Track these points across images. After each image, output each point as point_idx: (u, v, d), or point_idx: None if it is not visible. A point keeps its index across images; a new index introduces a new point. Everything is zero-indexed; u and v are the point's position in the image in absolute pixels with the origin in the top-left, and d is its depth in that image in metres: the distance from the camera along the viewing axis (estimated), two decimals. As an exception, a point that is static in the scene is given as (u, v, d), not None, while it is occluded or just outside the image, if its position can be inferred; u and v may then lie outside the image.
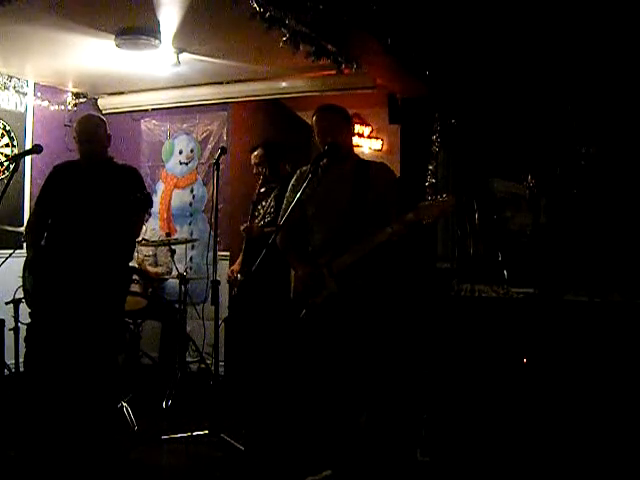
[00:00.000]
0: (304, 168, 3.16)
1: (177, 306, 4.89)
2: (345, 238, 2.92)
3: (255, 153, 4.52)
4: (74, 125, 3.83)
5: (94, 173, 3.65)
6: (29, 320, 3.75)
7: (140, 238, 5.10)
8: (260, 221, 4.40)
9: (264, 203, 4.48)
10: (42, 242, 3.72)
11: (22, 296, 4.47)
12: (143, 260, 5.23)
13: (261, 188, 4.58)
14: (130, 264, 4.75)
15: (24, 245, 5.04)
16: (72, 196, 3.61)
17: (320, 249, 3.03)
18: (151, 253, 5.31)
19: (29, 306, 3.87)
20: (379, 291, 2.97)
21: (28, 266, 3.79)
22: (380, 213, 2.91)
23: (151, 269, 5.20)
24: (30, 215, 3.84)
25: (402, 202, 2.95)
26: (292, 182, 3.18)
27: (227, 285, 5.00)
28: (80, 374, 3.56)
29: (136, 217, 3.67)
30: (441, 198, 2.79)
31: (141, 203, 3.41)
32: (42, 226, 3.73)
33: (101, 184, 3.58)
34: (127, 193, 3.47)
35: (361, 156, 3.28)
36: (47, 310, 3.62)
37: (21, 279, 4.14)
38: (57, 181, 3.75)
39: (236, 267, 4.70)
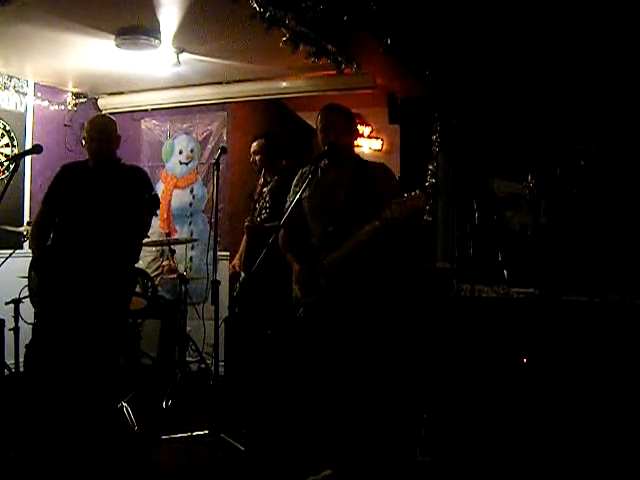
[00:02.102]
0: (305, 169, 3.17)
1: (177, 306, 4.89)
2: (339, 237, 2.94)
3: (256, 142, 4.51)
4: (85, 124, 3.83)
5: (102, 173, 3.66)
6: (34, 320, 3.75)
7: None
8: (257, 217, 4.40)
9: (259, 198, 4.48)
10: (48, 242, 3.72)
11: (23, 296, 4.52)
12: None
13: (260, 181, 4.58)
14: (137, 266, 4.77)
15: (24, 245, 5.05)
16: (80, 196, 3.61)
17: (317, 248, 3.05)
18: (155, 249, 5.30)
19: (34, 306, 3.86)
20: (368, 288, 2.98)
21: (33, 266, 3.78)
22: (375, 214, 2.91)
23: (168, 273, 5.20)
24: (37, 214, 3.82)
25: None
26: (294, 183, 3.20)
27: (227, 285, 4.99)
28: (82, 374, 3.57)
29: (143, 218, 3.67)
30: (413, 194, 2.79)
31: (148, 204, 3.42)
32: (49, 226, 3.73)
33: (109, 184, 3.59)
34: (134, 194, 3.48)
35: (361, 156, 3.28)
36: (52, 310, 3.62)
37: (26, 279, 4.15)
38: (65, 181, 3.75)
39: (236, 262, 4.70)
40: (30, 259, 3.90)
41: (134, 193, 3.53)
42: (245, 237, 4.58)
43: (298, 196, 2.94)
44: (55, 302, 3.59)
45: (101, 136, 3.65)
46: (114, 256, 3.55)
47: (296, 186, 3.15)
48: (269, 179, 4.43)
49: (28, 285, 4.03)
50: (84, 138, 3.74)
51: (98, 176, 3.65)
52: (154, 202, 3.44)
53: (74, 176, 3.74)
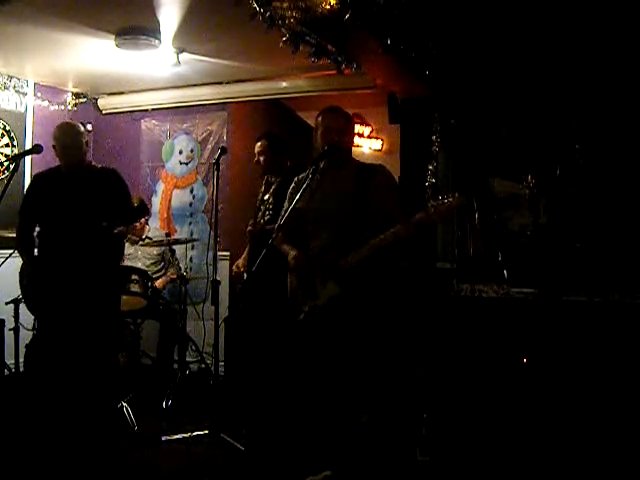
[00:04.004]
0: (301, 176, 3.17)
1: (177, 306, 4.89)
2: (347, 242, 2.93)
3: (259, 143, 4.51)
4: (53, 132, 3.84)
5: (76, 178, 3.72)
6: (34, 322, 3.79)
7: (144, 236, 5.12)
8: (261, 219, 4.40)
9: (265, 198, 4.47)
10: (34, 249, 3.78)
11: (22, 297, 4.52)
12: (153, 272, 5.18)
13: (261, 188, 4.58)
14: (131, 265, 4.78)
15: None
16: (57, 203, 3.67)
17: (321, 253, 3.03)
18: (155, 253, 5.27)
19: (30, 311, 3.92)
20: (381, 292, 2.98)
21: (25, 275, 3.81)
22: (380, 216, 2.92)
23: (162, 280, 5.15)
24: (17, 226, 3.88)
25: (402, 203, 2.96)
26: (289, 190, 3.19)
27: (227, 285, 4.99)
28: (81, 374, 3.58)
29: (132, 224, 3.74)
30: (451, 197, 2.79)
31: (137, 212, 3.48)
32: (30, 234, 3.82)
33: (83, 189, 3.67)
34: (110, 197, 3.59)
35: (361, 156, 3.28)
36: (47, 314, 3.68)
37: (19, 285, 4.17)
38: (40, 189, 3.82)
39: (241, 262, 4.68)
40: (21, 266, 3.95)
41: (109, 196, 3.64)
42: (249, 242, 4.57)
43: (294, 203, 2.93)
44: (48, 307, 3.65)
45: (69, 144, 3.70)
46: (97, 257, 3.61)
47: (292, 194, 3.14)
48: (272, 180, 4.43)
49: (21, 292, 4.06)
50: (54, 146, 3.77)
51: (72, 182, 3.72)
52: (143, 209, 3.51)
53: (48, 184, 3.80)
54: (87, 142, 3.82)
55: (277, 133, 4.73)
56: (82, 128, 3.82)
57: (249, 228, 4.43)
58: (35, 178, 3.88)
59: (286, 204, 3.15)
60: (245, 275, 4.52)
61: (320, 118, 3.10)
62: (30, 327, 4.68)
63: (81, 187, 3.67)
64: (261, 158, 4.48)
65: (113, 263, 3.86)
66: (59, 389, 3.62)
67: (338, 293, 2.92)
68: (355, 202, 2.97)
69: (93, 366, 3.61)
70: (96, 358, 3.62)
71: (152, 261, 5.21)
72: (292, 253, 3.06)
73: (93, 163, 3.87)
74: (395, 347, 3.20)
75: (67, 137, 3.71)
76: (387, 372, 3.10)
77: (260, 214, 4.41)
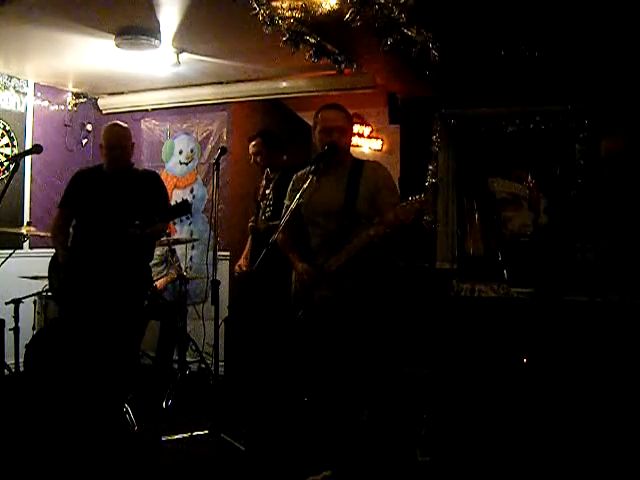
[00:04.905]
0: (300, 173, 3.15)
1: (177, 306, 4.89)
2: (339, 240, 2.92)
3: (253, 143, 4.51)
4: (102, 131, 3.89)
5: (118, 179, 3.76)
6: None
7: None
8: (262, 215, 4.40)
9: (267, 192, 4.47)
10: (68, 243, 3.81)
11: (23, 296, 4.52)
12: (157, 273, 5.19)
13: (262, 183, 4.58)
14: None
15: (24, 245, 5.06)
16: (98, 201, 3.71)
17: (317, 251, 3.03)
18: (158, 254, 5.27)
19: (57, 302, 3.93)
20: (370, 289, 2.97)
21: (57, 265, 3.85)
22: (374, 213, 2.90)
23: (162, 281, 5.17)
24: (56, 217, 3.93)
25: (399, 200, 2.94)
26: (289, 187, 3.18)
27: (227, 285, 4.98)
28: (97, 371, 3.61)
29: (167, 223, 3.81)
30: (418, 197, 2.77)
31: (179, 209, 3.53)
32: (68, 227, 3.85)
33: (125, 189, 3.71)
34: (150, 198, 3.66)
35: (361, 156, 3.27)
36: (73, 306, 3.72)
37: (28, 279, 4.20)
38: (81, 185, 3.85)
39: (242, 262, 4.68)
40: (50, 258, 4.00)
41: (150, 197, 3.70)
42: (250, 238, 4.57)
43: (295, 201, 2.93)
44: (76, 299, 3.70)
45: (120, 144, 3.75)
46: (127, 256, 3.63)
47: (292, 190, 3.13)
48: (272, 176, 4.43)
49: (50, 283, 4.08)
50: (101, 146, 3.82)
51: (113, 181, 3.76)
52: (186, 206, 3.54)
53: (90, 181, 3.84)
54: (133, 145, 3.87)
55: (276, 132, 4.73)
56: (128, 129, 3.87)
57: (250, 224, 4.44)
58: (77, 173, 3.93)
59: (286, 202, 3.15)
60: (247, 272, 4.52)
61: (319, 116, 3.05)
62: (30, 327, 4.70)
63: (121, 187, 3.72)
64: (257, 158, 4.48)
65: (142, 263, 3.88)
66: (64, 387, 3.64)
67: (328, 294, 2.93)
68: (346, 200, 2.96)
69: (112, 364, 3.63)
70: (117, 356, 3.64)
71: (155, 262, 5.21)
72: (299, 266, 3.05)
73: (135, 166, 3.91)
74: (391, 346, 3.19)
75: (114, 138, 3.76)
76: (384, 371, 3.10)
77: (261, 211, 4.42)
